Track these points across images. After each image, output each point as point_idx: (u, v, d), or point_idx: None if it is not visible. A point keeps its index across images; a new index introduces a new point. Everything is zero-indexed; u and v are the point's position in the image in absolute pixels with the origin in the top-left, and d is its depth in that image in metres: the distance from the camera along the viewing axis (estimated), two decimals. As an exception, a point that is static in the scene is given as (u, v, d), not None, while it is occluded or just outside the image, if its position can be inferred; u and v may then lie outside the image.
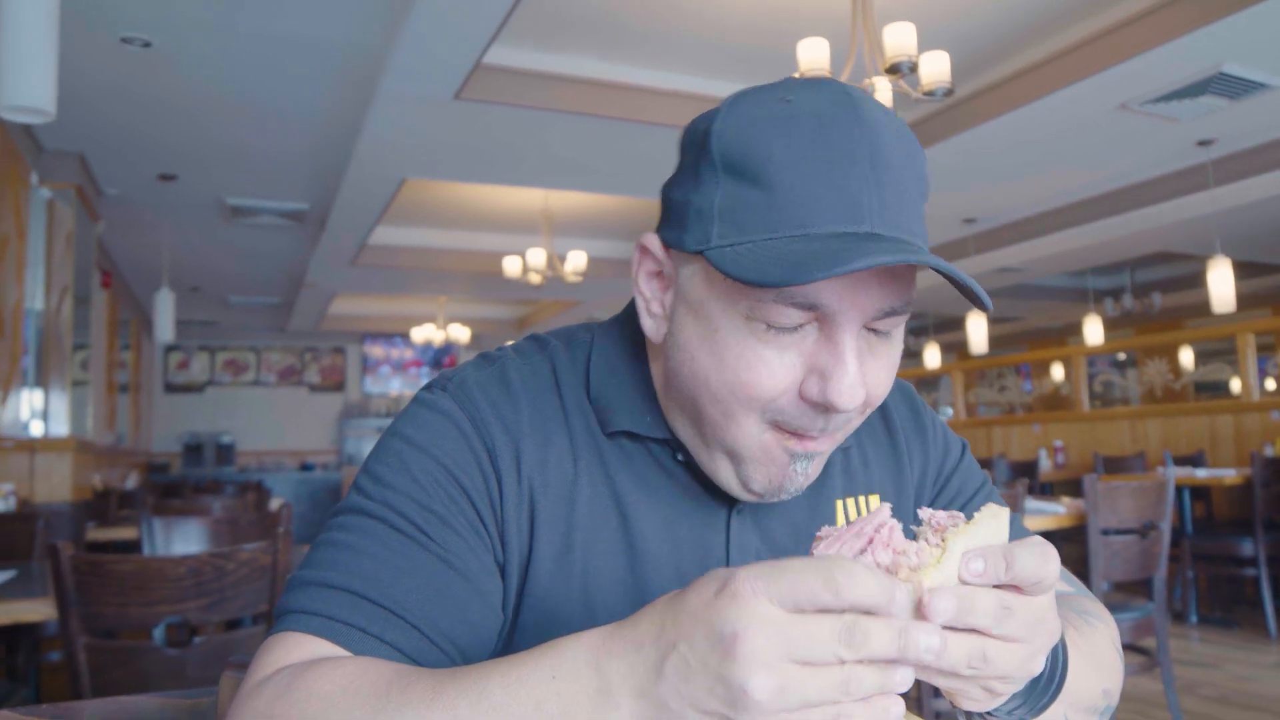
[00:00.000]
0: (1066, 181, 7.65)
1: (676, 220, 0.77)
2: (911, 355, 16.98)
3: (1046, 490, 7.77)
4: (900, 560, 0.57)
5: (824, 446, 0.77)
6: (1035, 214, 8.63)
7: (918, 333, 15.81)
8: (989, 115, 6.04)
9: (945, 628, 0.54)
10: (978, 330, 9.46)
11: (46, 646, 3.92)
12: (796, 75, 4.21)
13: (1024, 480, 3.14)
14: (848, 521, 0.87)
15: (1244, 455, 6.90)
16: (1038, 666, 0.61)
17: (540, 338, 0.91)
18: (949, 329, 15.28)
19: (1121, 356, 14.99)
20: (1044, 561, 0.58)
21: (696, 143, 0.76)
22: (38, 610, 2.24)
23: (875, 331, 0.74)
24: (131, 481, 9.34)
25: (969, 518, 0.59)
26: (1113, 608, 3.38)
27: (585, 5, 4.96)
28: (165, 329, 7.71)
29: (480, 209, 8.79)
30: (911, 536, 0.60)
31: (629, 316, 0.89)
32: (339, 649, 0.71)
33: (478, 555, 0.78)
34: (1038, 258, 9.58)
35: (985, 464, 8.24)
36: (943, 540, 0.58)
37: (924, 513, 0.61)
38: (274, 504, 5.58)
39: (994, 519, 0.60)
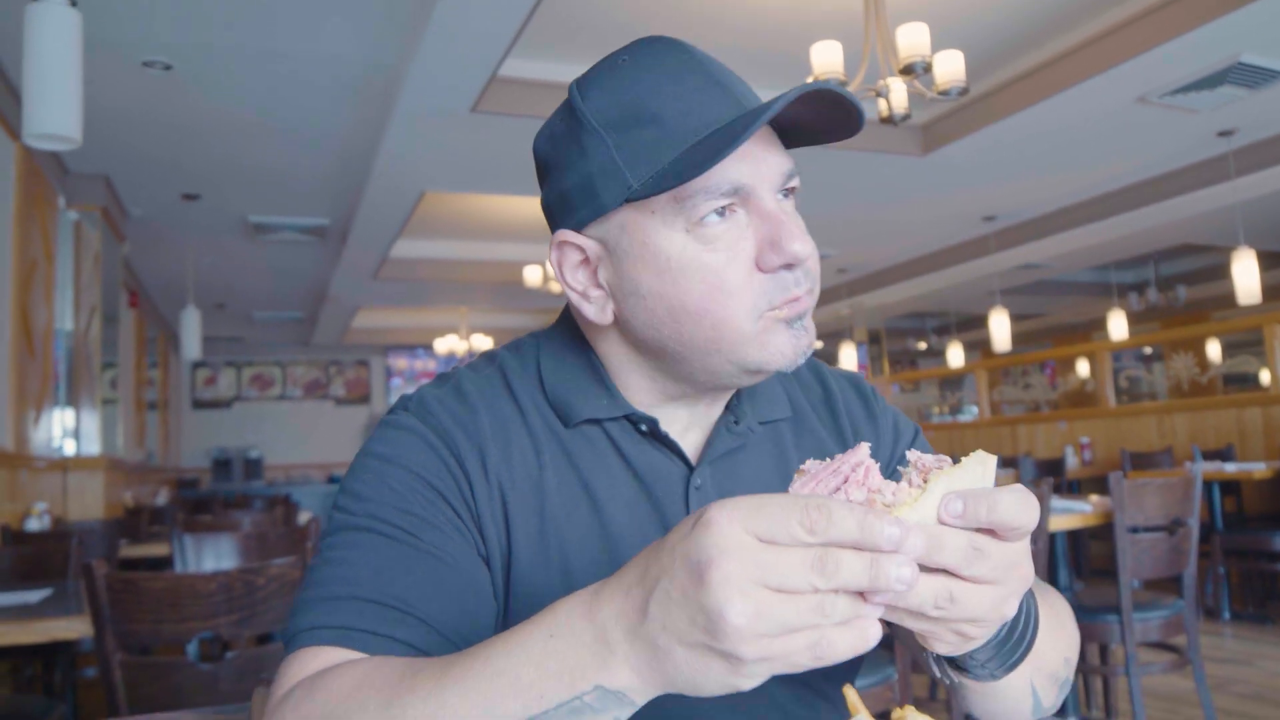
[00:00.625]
0: (1086, 176, 7.60)
1: (581, 199, 0.84)
2: (935, 355, 16.91)
3: (1074, 488, 7.71)
4: (874, 499, 0.58)
5: (809, 303, 0.85)
6: (1056, 209, 8.58)
7: (940, 332, 15.74)
8: (1006, 112, 6.02)
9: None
10: (1000, 327, 9.40)
11: (82, 663, 3.99)
12: (810, 79, 4.23)
13: (1049, 479, 3.12)
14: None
15: (1274, 448, 6.82)
16: (1010, 610, 0.62)
17: (489, 352, 0.98)
18: (972, 327, 15.19)
19: (1148, 351, 14.84)
20: (1024, 508, 0.58)
21: (564, 131, 0.85)
22: (74, 628, 2.27)
23: (784, 195, 0.85)
24: (162, 498, 9.45)
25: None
26: (1143, 606, 3.36)
27: (598, 15, 5.00)
28: (192, 346, 7.81)
29: (499, 219, 8.84)
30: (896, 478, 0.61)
31: (566, 316, 0.96)
32: (354, 653, 0.75)
33: (463, 549, 0.82)
34: (1060, 253, 9.52)
35: (1011, 463, 8.19)
36: (925, 481, 0.59)
37: (912, 454, 0.62)
38: (302, 518, 5.64)
39: (980, 465, 0.60)
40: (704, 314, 0.81)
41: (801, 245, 0.81)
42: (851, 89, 4.30)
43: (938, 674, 0.80)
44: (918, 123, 6.62)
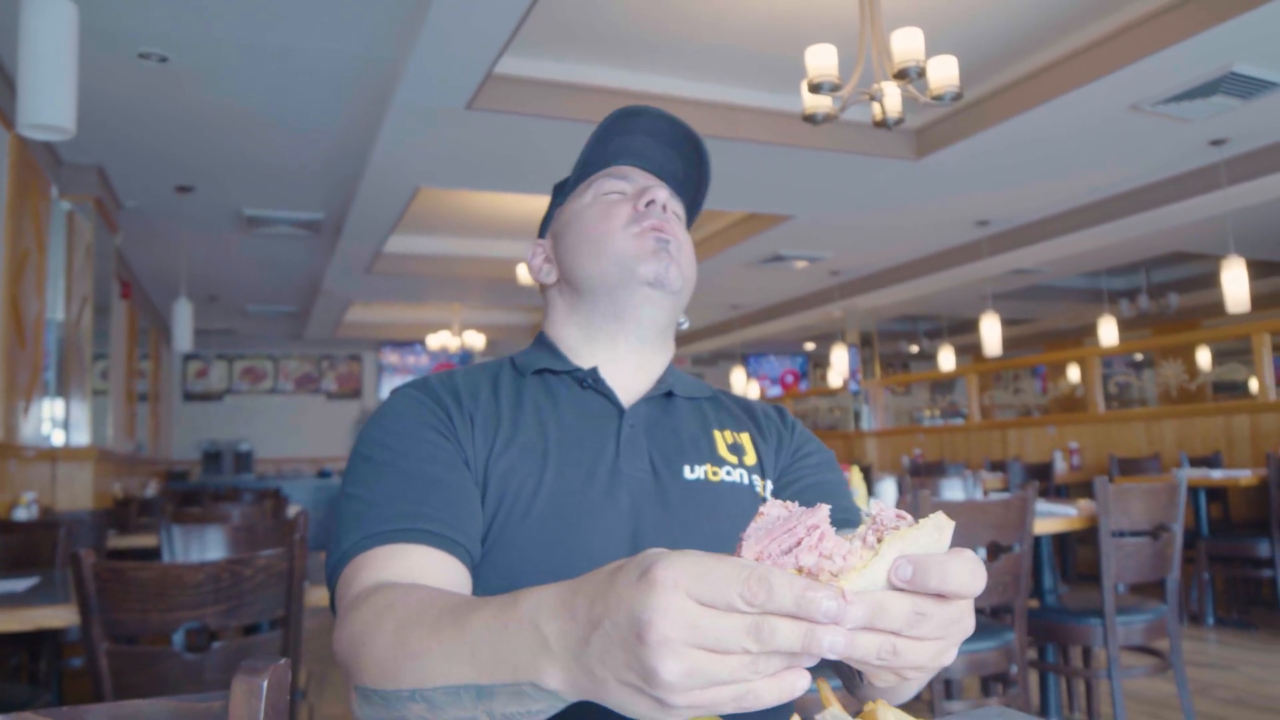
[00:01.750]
0: (1079, 183, 7.64)
1: (548, 215, 1.29)
2: (927, 358, 16.96)
3: (1062, 493, 7.75)
4: (823, 564, 0.60)
5: (672, 234, 1.16)
6: (1048, 215, 8.61)
7: (932, 335, 15.79)
8: (999, 118, 6.05)
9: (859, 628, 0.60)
10: (991, 332, 9.44)
11: (68, 652, 3.98)
12: (804, 82, 4.24)
13: (1034, 483, 3.14)
14: (724, 443, 1.19)
15: (1261, 456, 6.86)
16: (949, 659, 0.65)
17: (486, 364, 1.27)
18: (963, 331, 15.24)
19: (1138, 357, 14.90)
20: (973, 577, 0.60)
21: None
22: (60, 616, 2.28)
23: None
24: (151, 489, 9.43)
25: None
26: (1126, 610, 3.38)
27: (595, 14, 5.01)
28: (184, 338, 7.79)
29: (494, 216, 8.85)
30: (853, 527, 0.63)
31: (540, 338, 1.26)
32: (393, 546, 0.95)
33: (453, 461, 1.05)
34: (1052, 259, 9.56)
35: (1000, 466, 8.23)
36: (879, 541, 0.60)
37: (874, 506, 0.64)
38: (291, 511, 5.64)
39: (937, 529, 0.61)
40: (602, 239, 1.17)
41: (659, 191, 1.21)
42: (845, 92, 4.33)
43: (861, 690, 0.90)
44: (911, 127, 6.65)
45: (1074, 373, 12.48)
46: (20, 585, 2.68)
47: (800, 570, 0.60)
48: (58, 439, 6.33)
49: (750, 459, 1.20)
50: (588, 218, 1.18)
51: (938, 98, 4.29)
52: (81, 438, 6.56)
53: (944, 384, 14.95)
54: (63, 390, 6.37)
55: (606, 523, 1.04)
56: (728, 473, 1.15)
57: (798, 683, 0.58)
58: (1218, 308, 12.48)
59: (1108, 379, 10.88)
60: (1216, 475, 5.87)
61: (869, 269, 10.86)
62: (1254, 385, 12.94)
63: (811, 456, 1.26)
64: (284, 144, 6.25)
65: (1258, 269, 9.92)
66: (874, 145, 6.57)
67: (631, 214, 1.15)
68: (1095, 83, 5.42)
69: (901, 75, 4.15)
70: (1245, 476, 5.69)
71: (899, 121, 4.41)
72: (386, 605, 0.83)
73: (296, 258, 9.57)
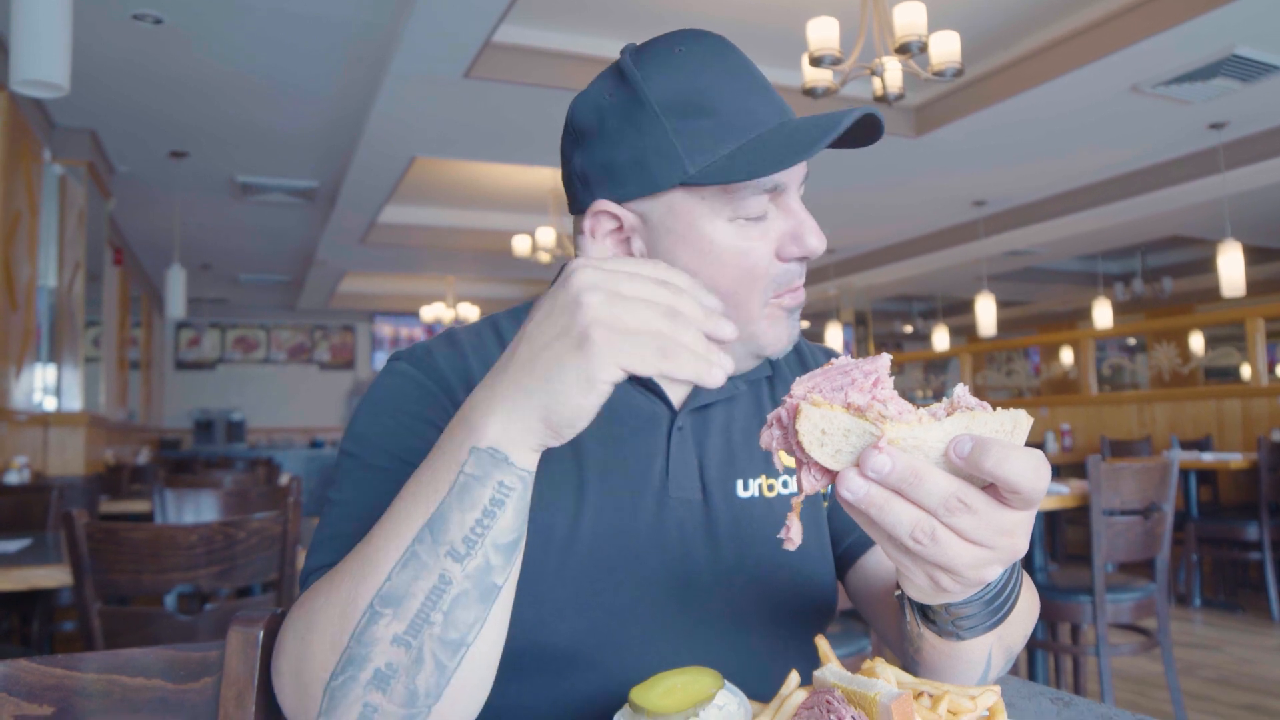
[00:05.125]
0: (1077, 164, 7.62)
1: (631, 174, 0.88)
2: (920, 338, 16.97)
3: (1054, 473, 7.76)
4: (872, 404, 0.59)
5: (803, 297, 0.94)
6: (1046, 197, 8.60)
7: (926, 315, 15.80)
8: (1000, 97, 6.02)
9: (881, 484, 0.58)
10: (986, 312, 9.44)
11: (60, 616, 3.98)
12: (805, 55, 4.21)
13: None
14: None
15: (1251, 440, 6.89)
16: (989, 576, 0.62)
17: (490, 315, 1.05)
18: (958, 312, 15.25)
19: (1131, 341, 14.94)
20: (1035, 474, 0.57)
21: (619, 106, 0.89)
22: (53, 577, 2.27)
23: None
24: (143, 457, 9.42)
25: None
26: (1115, 588, 3.40)
27: (595, -17, 4.96)
28: (176, 306, 7.75)
29: (490, 188, 8.80)
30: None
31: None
32: None
33: None
34: (1048, 241, 9.55)
35: (992, 446, 8.21)
36: (948, 415, 0.58)
37: (958, 390, 0.61)
38: (284, 479, 5.64)
39: (1013, 421, 0.58)
40: (730, 295, 0.87)
41: (818, 241, 0.88)
42: (846, 67, 4.29)
43: (906, 621, 0.82)
44: (911, 105, 6.61)
45: (1067, 355, 12.51)
46: (12, 547, 2.67)
47: (849, 407, 0.59)
48: (49, 405, 6.31)
49: None
50: (726, 260, 0.87)
51: (939, 73, 4.27)
52: (73, 403, 6.53)
53: (937, 364, 14.97)
54: (55, 356, 6.34)
55: (651, 566, 0.91)
56: (784, 484, 1.00)
57: (713, 369, 0.61)
58: (1212, 293, 12.49)
59: (1101, 362, 10.91)
60: (1208, 458, 5.90)
61: (865, 247, 10.84)
62: (1246, 371, 12.99)
63: None
64: (279, 110, 6.20)
65: (1253, 254, 9.93)
66: (873, 122, 6.52)
67: (775, 270, 0.89)
68: (1097, 62, 5.39)
69: (903, 50, 4.12)
70: (1236, 460, 5.72)
71: (899, 97, 4.39)
72: (316, 584, 0.75)
73: (290, 226, 9.51)
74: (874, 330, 15.48)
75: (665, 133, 0.86)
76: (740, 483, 0.97)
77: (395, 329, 16.18)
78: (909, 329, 16.90)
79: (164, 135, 6.68)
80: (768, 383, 1.06)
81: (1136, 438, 7.61)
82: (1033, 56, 5.76)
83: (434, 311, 12.82)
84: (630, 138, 0.87)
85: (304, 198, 8.29)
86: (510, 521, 0.67)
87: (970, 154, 7.16)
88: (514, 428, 0.65)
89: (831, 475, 0.62)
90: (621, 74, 0.89)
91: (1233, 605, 5.77)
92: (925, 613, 0.77)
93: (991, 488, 0.59)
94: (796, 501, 0.65)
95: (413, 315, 15.35)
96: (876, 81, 4.41)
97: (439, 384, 0.92)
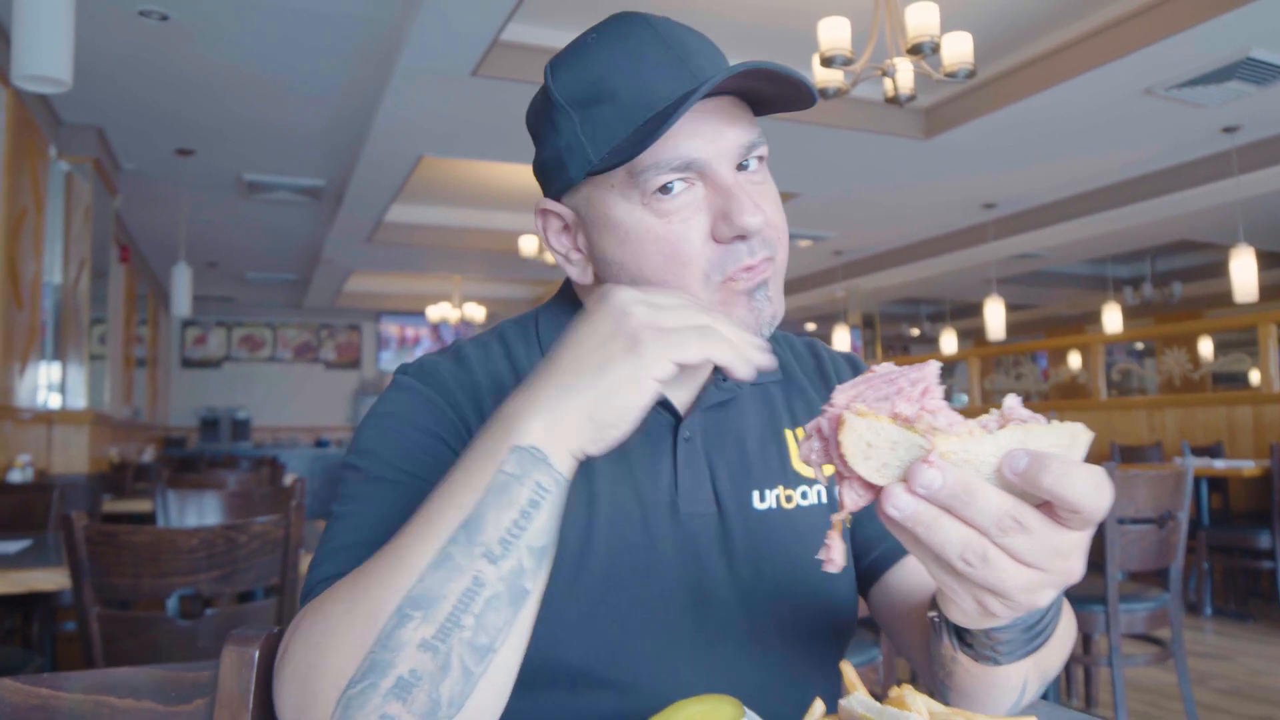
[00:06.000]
0: (1088, 167, 7.56)
1: (555, 171, 0.89)
2: (928, 342, 16.92)
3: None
4: (921, 415, 0.55)
5: (767, 272, 0.86)
6: (1056, 199, 8.54)
7: (934, 319, 15.74)
8: (1011, 98, 5.97)
9: (930, 502, 0.55)
10: (995, 315, 9.38)
11: (62, 616, 3.95)
12: (816, 55, 4.17)
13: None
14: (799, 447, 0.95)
15: (1263, 447, 6.82)
16: (1043, 600, 0.58)
17: (497, 324, 1.02)
18: (965, 315, 15.19)
19: (1139, 346, 14.86)
20: (1096, 492, 0.53)
21: (540, 107, 0.90)
22: (52, 580, 2.24)
23: (744, 168, 0.86)
24: (148, 455, 9.40)
25: None
26: (1128, 598, 3.35)
27: (605, -18, 4.92)
28: (182, 304, 7.73)
29: (497, 187, 8.77)
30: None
31: (566, 284, 1.01)
32: None
33: None
34: (1057, 244, 9.50)
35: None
36: (1000, 428, 0.54)
37: (1010, 400, 0.57)
38: (288, 479, 5.61)
39: (1071, 436, 0.54)
40: (661, 283, 0.84)
41: (753, 217, 0.82)
42: (857, 67, 4.25)
43: (940, 644, 0.78)
44: (921, 106, 6.57)
45: (1075, 360, 12.45)
46: (12, 547, 2.65)
47: (895, 418, 0.56)
48: (54, 403, 6.29)
49: (829, 467, 1.02)
50: (644, 246, 0.84)
51: (951, 74, 4.22)
52: (78, 401, 6.51)
53: (944, 368, 14.87)
54: (60, 354, 6.32)
55: (665, 582, 0.87)
56: (803, 494, 0.95)
57: (752, 357, 0.66)
58: (1221, 298, 12.43)
59: (1109, 367, 10.85)
60: (1219, 465, 5.84)
61: (873, 249, 10.79)
62: (1255, 377, 12.92)
63: None
64: (285, 108, 6.17)
65: (1265, 259, 9.87)
66: (883, 123, 6.49)
67: (711, 252, 0.83)
68: (1110, 64, 5.34)
69: (915, 50, 4.08)
70: (1248, 467, 5.66)
71: (911, 98, 4.34)
72: (332, 588, 0.73)
73: (297, 225, 9.49)
74: (881, 333, 15.43)
75: (574, 126, 0.85)
76: (756, 494, 0.93)
77: (401, 328, 16.16)
78: (916, 332, 16.85)
79: (170, 132, 6.66)
80: (779, 387, 1.02)
81: (1146, 443, 7.55)
82: (1045, 58, 5.71)
83: (440, 311, 12.80)
84: (550, 137, 0.88)
85: (310, 196, 8.27)
86: (544, 524, 0.66)
87: (980, 156, 7.11)
88: (556, 428, 0.66)
89: (875, 491, 0.58)
90: (545, 75, 0.90)
91: (1244, 615, 5.71)
92: (962, 635, 0.73)
93: (1047, 506, 0.55)
94: (837, 519, 0.61)
95: (419, 315, 15.33)
96: (888, 82, 4.37)
97: (445, 398, 0.90)
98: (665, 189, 0.82)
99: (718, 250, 0.83)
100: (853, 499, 0.59)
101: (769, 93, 0.84)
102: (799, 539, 0.93)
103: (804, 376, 1.04)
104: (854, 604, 0.97)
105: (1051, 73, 5.66)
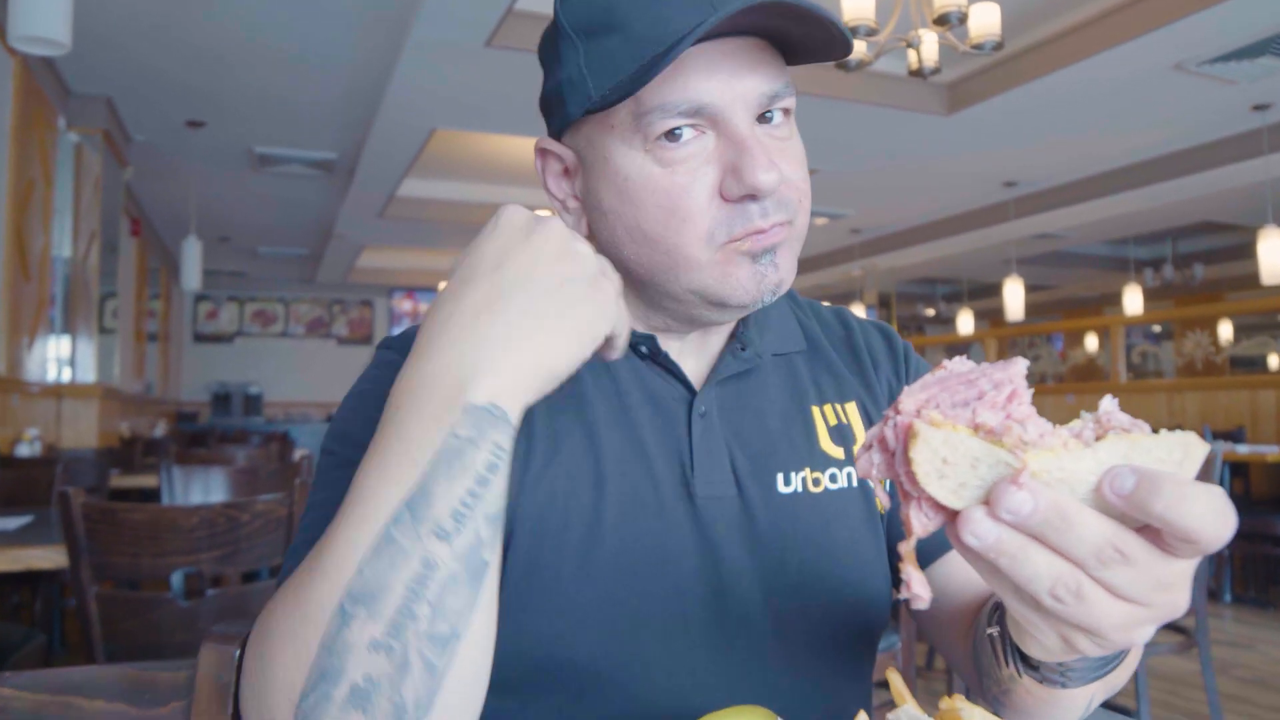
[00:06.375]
0: (1114, 145, 7.41)
1: (556, 106, 0.81)
2: (944, 322, 16.78)
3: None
4: (1010, 426, 0.47)
5: (780, 236, 0.77)
6: (1079, 178, 8.39)
7: (950, 299, 15.60)
8: (1037, 73, 5.83)
9: (1016, 529, 0.46)
10: (1015, 296, 9.26)
11: (68, 592, 3.92)
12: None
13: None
14: (827, 426, 0.87)
15: (1287, 432, 6.71)
16: (1138, 638, 0.50)
17: None
18: (982, 296, 15.04)
19: (1156, 329, 14.69)
20: (1218, 520, 0.44)
21: (548, 36, 0.82)
22: (49, 558, 2.19)
23: (766, 120, 0.77)
24: (160, 430, 9.40)
25: None
26: (1153, 585, 3.27)
27: (621, -50, 4.81)
28: (192, 277, 7.69)
29: (511, 162, 8.67)
30: None
31: None
32: None
33: None
34: (1078, 224, 9.35)
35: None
36: (1098, 439, 0.47)
37: (1105, 402, 0.49)
38: (298, 455, 5.56)
39: (1183, 448, 0.46)
40: (659, 239, 0.76)
41: (766, 174, 0.73)
42: (881, 39, 4.13)
43: (998, 663, 0.69)
44: (944, 81, 6.43)
45: (1091, 341, 12.31)
46: (13, 524, 2.59)
47: (977, 429, 0.47)
48: (64, 376, 6.25)
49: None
50: (644, 197, 0.76)
51: (977, 46, 4.10)
52: (88, 375, 6.48)
53: (960, 348, 14.78)
54: (70, 327, 6.28)
55: (682, 573, 0.79)
56: (832, 477, 0.86)
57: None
58: (1243, 280, 12.24)
59: (1129, 349, 10.71)
60: (1242, 450, 5.74)
61: (891, 228, 10.66)
62: (1274, 362, 12.74)
63: None
64: (297, 79, 6.08)
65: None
66: (904, 98, 6.36)
67: (717, 210, 0.75)
68: (1140, 38, 5.20)
69: (942, 21, 3.96)
70: (1272, 452, 5.55)
71: (935, 71, 4.23)
72: (279, 589, 0.64)
73: (309, 199, 9.43)
74: (897, 313, 15.30)
75: (578, 57, 0.77)
76: (781, 476, 0.84)
77: (415, 304, 16.12)
78: (931, 312, 16.70)
79: (181, 104, 6.58)
80: (803, 358, 0.92)
81: (1167, 427, 7.42)
82: (1072, 32, 5.57)
83: (452, 287, 12.73)
84: (554, 68, 0.81)
85: (322, 170, 8.19)
86: (501, 487, 0.59)
87: (1003, 133, 6.97)
88: (512, 378, 0.59)
89: (947, 513, 0.49)
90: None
91: (1264, 602, 5.62)
92: (1026, 658, 0.65)
93: (1150, 530, 0.46)
94: (907, 550, 0.52)
95: (431, 290, 15.28)
96: (911, 55, 4.25)
97: None
98: (673, 135, 0.74)
99: (725, 209, 0.75)
100: (922, 523, 0.50)
101: (798, 36, 0.74)
102: (827, 526, 0.84)
103: (831, 348, 0.94)
104: (888, 599, 0.88)
105: (1080, 47, 5.51)
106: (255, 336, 15.37)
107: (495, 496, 0.58)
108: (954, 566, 0.89)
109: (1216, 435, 6.85)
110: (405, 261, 13.95)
